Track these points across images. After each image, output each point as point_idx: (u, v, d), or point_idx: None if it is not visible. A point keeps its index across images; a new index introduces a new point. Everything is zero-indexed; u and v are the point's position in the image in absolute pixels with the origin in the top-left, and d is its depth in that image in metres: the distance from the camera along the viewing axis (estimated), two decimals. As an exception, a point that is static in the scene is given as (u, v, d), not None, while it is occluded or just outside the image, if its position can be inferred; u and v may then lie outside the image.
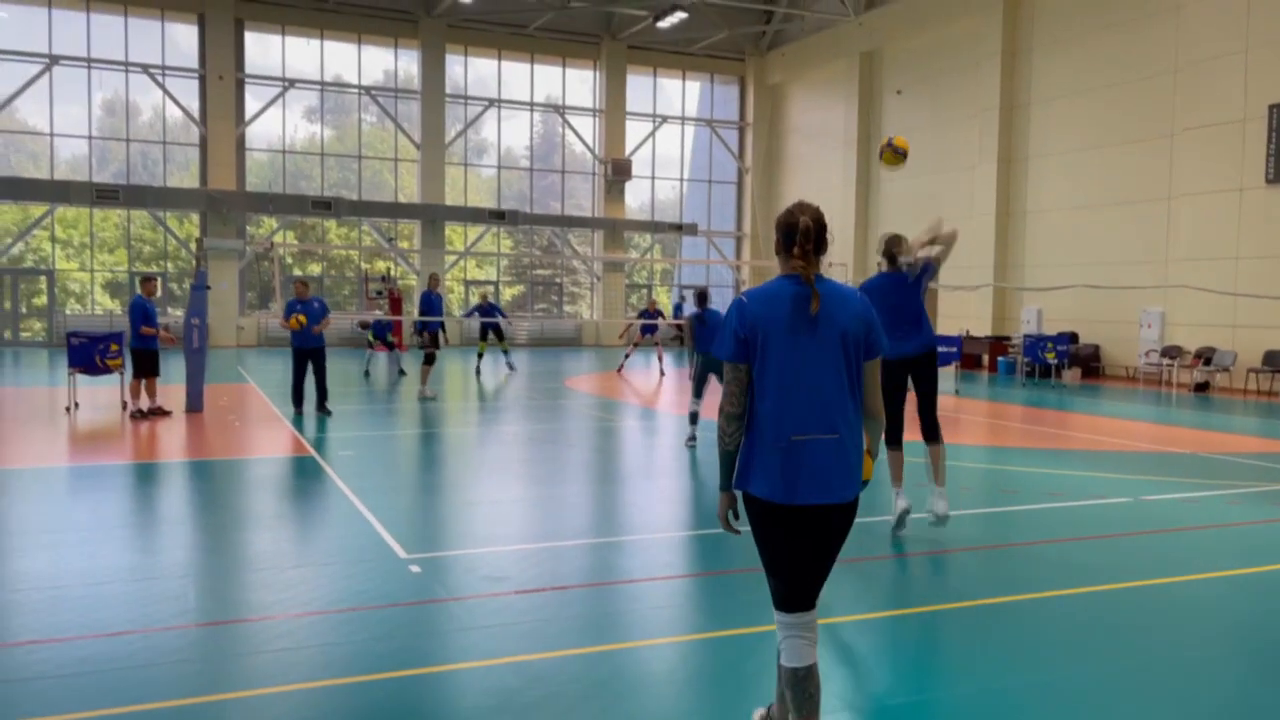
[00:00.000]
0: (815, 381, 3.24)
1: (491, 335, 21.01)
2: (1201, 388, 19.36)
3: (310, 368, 13.10)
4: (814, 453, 3.22)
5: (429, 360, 15.70)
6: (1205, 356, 19.49)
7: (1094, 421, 14.27)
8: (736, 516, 3.41)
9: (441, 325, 15.81)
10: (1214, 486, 9.13)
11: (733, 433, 3.32)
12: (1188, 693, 4.39)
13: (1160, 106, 20.90)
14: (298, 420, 12.45)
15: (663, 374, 21.51)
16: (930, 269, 6.81)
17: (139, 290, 13.16)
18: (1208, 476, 9.71)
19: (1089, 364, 22.13)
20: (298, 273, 30.66)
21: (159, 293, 13.27)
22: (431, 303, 16.12)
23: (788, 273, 3.36)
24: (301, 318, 12.90)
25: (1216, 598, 5.77)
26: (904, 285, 6.79)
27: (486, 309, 21.40)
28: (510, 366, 21.04)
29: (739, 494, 3.39)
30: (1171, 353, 20.21)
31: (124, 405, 13.16)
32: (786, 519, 3.25)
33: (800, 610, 3.33)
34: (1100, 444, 12.00)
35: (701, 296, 10.90)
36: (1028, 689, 4.32)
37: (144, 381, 12.78)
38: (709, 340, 10.05)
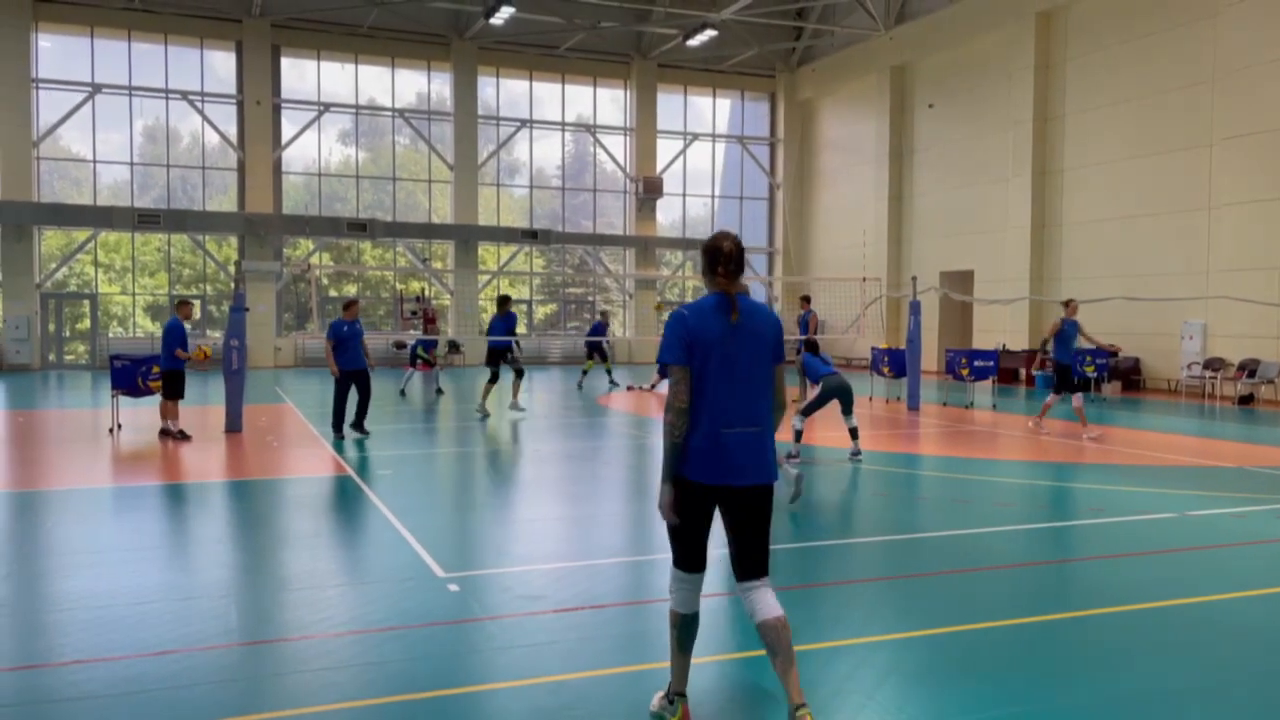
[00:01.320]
0: (742, 382, 3.83)
1: (596, 355, 21.79)
2: (1246, 400, 19.00)
3: (355, 388, 13.10)
4: (740, 442, 3.81)
5: (519, 374, 16.25)
6: (1249, 369, 19.13)
7: (1136, 435, 14.04)
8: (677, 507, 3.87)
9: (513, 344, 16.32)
10: (1261, 501, 8.94)
11: (682, 425, 3.81)
12: (1236, 713, 4.29)
13: (1198, 116, 20.64)
14: (337, 443, 12.52)
15: (615, 384, 21.33)
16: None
17: (175, 313, 13.39)
18: (1254, 491, 9.52)
19: (1129, 377, 21.81)
20: (350, 292, 30.98)
21: (197, 315, 13.58)
22: (507, 323, 16.28)
23: (714, 290, 3.91)
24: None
25: (1266, 615, 5.64)
26: None
27: (596, 328, 22.59)
28: (612, 383, 21.52)
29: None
30: (1214, 365, 19.86)
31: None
32: (715, 497, 3.85)
33: (698, 570, 3.99)
34: (1143, 458, 11.80)
35: (813, 345, 11.80)
36: (1071, 710, 4.24)
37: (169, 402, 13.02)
38: (825, 368, 11.22)
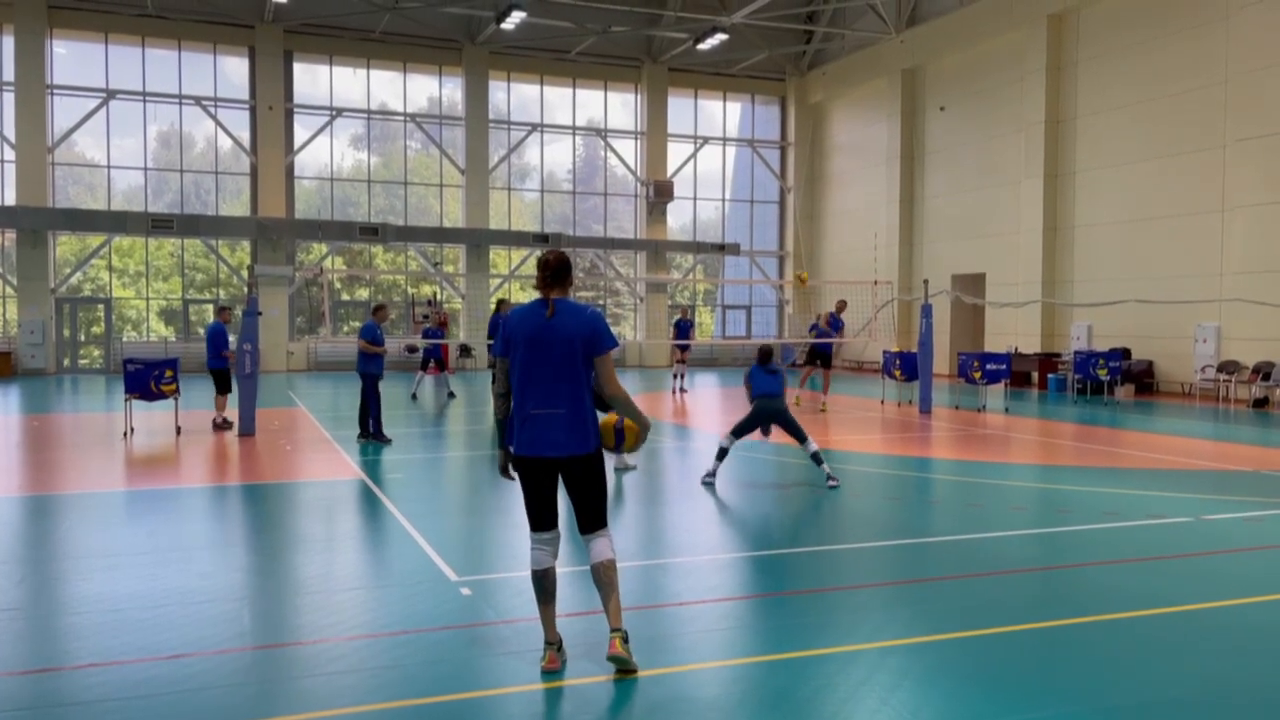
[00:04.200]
0: (547, 370, 4.54)
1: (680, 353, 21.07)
2: (1260, 403, 18.88)
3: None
4: (546, 422, 4.56)
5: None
6: (1264, 371, 19.02)
7: (1149, 439, 13.97)
8: (509, 467, 4.75)
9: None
10: (1277, 505, 8.88)
11: (502, 406, 4.72)
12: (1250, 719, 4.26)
13: (1212, 117, 20.54)
14: (379, 446, 12.45)
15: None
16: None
17: (217, 318, 14.92)
18: (1270, 495, 9.45)
19: (1142, 380, 21.69)
20: (362, 296, 31.13)
21: (230, 320, 15.10)
22: None
23: (539, 296, 4.64)
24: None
25: (1284, 621, 5.60)
26: None
27: (682, 325, 21.40)
28: (680, 389, 20.79)
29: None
30: (1229, 368, 19.75)
31: (178, 430, 13.49)
32: (534, 467, 4.63)
33: (543, 530, 4.73)
34: (1156, 462, 11.74)
35: (766, 354, 10.09)
36: (1086, 716, 4.22)
37: (221, 396, 14.47)
38: (763, 387, 9.77)
